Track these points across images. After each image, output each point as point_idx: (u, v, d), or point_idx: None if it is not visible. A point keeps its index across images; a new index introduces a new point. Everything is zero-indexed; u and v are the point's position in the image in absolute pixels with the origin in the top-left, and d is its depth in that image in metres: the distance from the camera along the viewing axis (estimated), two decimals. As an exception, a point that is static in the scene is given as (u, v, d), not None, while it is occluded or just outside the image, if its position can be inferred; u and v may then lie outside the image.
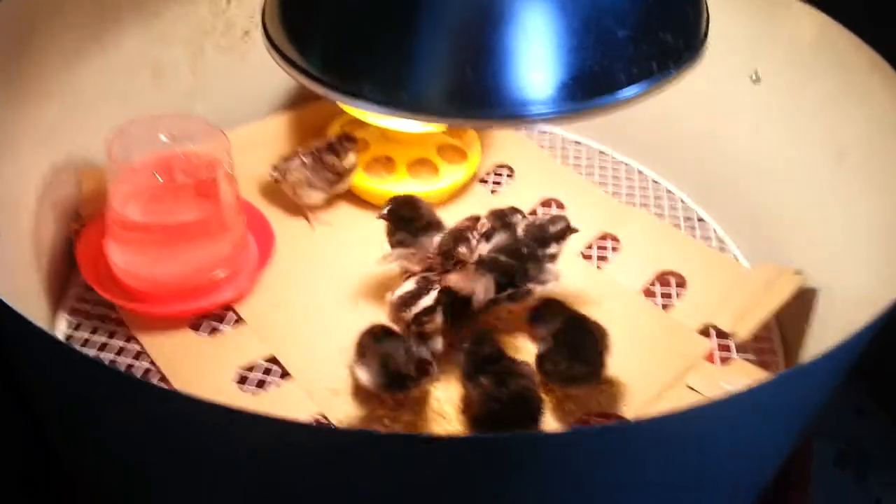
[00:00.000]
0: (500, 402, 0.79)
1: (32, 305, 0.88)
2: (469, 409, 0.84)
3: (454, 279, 0.82)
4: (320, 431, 0.59)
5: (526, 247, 0.88)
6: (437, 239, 0.90)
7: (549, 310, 0.90)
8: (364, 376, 0.82)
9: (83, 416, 0.68)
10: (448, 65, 0.57)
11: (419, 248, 0.90)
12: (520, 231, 0.90)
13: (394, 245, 0.92)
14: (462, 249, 0.87)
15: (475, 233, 0.89)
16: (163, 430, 0.60)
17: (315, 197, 1.02)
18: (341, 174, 1.02)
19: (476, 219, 0.92)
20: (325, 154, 1.01)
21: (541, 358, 0.86)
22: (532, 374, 0.84)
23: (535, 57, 0.56)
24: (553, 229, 0.91)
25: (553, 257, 0.91)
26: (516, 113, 0.58)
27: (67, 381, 0.63)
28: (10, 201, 0.84)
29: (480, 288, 0.82)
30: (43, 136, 0.89)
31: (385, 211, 0.92)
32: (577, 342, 0.85)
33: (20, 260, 0.87)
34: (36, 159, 0.89)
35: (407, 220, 0.91)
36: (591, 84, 0.57)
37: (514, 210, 0.93)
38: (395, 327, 0.85)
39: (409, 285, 0.83)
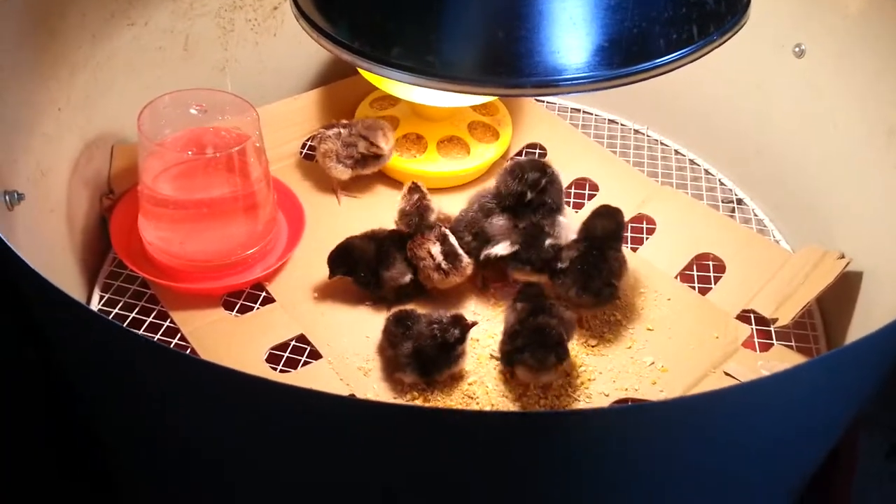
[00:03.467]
0: (522, 327, 0.82)
1: (67, 280, 0.89)
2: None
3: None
4: (356, 405, 0.58)
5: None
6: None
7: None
8: (407, 379, 0.84)
9: (117, 389, 0.68)
10: (478, 28, 0.55)
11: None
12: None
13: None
14: (431, 218, 0.91)
15: (425, 198, 0.92)
16: (197, 400, 0.60)
17: (340, 171, 1.02)
18: (365, 158, 1.01)
19: (413, 187, 0.92)
20: (354, 134, 1.00)
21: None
22: (569, 321, 0.84)
23: (569, 18, 0.54)
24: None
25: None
26: (549, 79, 0.56)
27: (103, 352, 0.63)
28: (41, 175, 0.84)
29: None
30: (72, 110, 0.90)
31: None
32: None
33: (53, 235, 0.87)
34: (66, 133, 0.89)
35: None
36: (628, 49, 0.55)
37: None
38: (420, 309, 0.87)
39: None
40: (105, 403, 0.74)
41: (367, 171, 1.03)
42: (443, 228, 0.91)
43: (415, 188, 0.92)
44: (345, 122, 1.03)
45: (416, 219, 0.90)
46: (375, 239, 0.92)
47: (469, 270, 0.90)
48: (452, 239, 0.90)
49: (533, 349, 0.80)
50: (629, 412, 0.57)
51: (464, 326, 0.83)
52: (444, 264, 0.89)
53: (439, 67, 0.56)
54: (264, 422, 0.59)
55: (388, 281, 0.91)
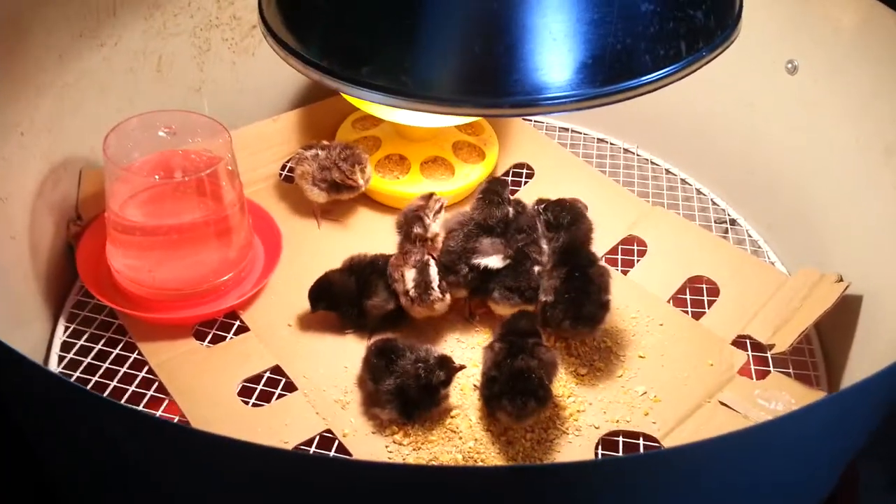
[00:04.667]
0: (500, 371, 0.78)
1: (29, 310, 0.85)
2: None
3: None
4: (339, 465, 0.53)
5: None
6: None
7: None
8: (385, 416, 0.80)
9: (72, 445, 0.64)
10: (454, 46, 0.52)
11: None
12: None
13: None
14: (417, 230, 0.89)
15: (428, 211, 0.90)
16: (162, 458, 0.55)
17: (315, 194, 0.98)
18: (342, 188, 0.98)
19: (429, 197, 0.91)
20: (335, 165, 0.97)
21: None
22: (550, 362, 0.79)
23: (549, 34, 0.50)
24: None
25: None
26: (529, 98, 0.52)
27: (55, 406, 0.59)
28: (3, 200, 0.81)
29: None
30: (36, 133, 0.86)
31: None
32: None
33: (15, 262, 0.83)
34: (29, 157, 0.86)
35: None
36: (612, 66, 0.52)
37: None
38: (401, 342, 0.83)
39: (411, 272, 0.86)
40: (62, 460, 0.69)
41: (342, 196, 0.99)
42: (427, 257, 0.87)
43: (427, 196, 0.90)
44: (325, 143, 0.99)
45: (406, 227, 0.88)
46: (355, 269, 0.89)
47: (438, 306, 0.86)
48: (433, 271, 0.86)
49: (511, 396, 0.76)
50: (621, 463, 0.53)
51: (450, 369, 0.80)
52: (412, 292, 0.85)
53: (413, 87, 0.53)
54: (236, 480, 0.54)
55: (370, 310, 0.87)
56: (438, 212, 0.90)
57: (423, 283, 0.85)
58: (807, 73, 0.96)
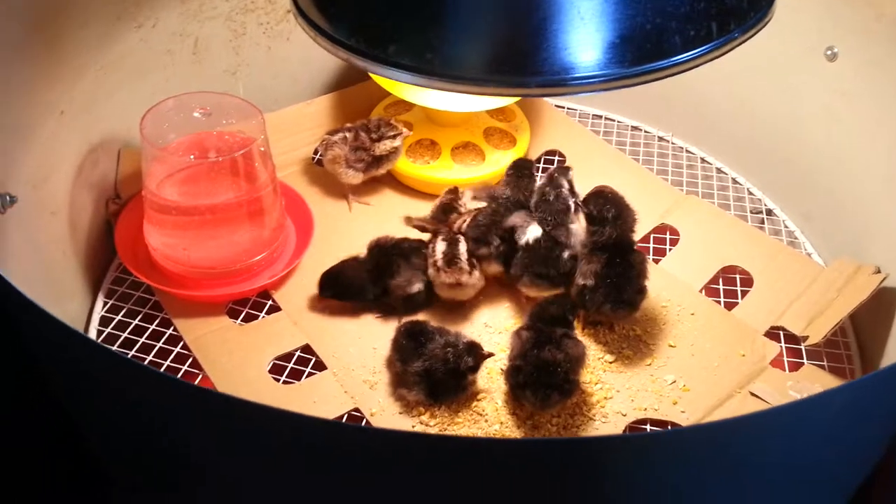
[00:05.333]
0: (525, 361, 0.77)
1: (69, 285, 0.87)
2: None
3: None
4: (362, 432, 0.54)
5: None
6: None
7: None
8: (412, 397, 0.80)
9: (115, 413, 0.65)
10: (480, 24, 0.52)
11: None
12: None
13: None
14: (452, 215, 0.92)
15: (460, 202, 0.93)
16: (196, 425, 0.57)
17: (351, 176, 0.99)
18: (377, 158, 0.98)
19: (455, 191, 0.94)
20: (362, 134, 0.98)
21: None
22: (577, 356, 0.79)
23: (578, 13, 0.50)
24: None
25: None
26: (557, 78, 0.52)
27: (99, 377, 0.60)
28: (43, 179, 0.83)
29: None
30: (76, 113, 0.88)
31: None
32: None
33: (55, 239, 0.85)
34: (69, 136, 0.88)
35: None
36: (641, 46, 0.51)
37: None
38: (431, 325, 0.83)
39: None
40: (98, 427, 0.71)
41: (380, 171, 1.00)
42: (457, 235, 0.88)
43: (451, 190, 0.93)
44: (349, 125, 1.00)
45: (440, 215, 0.90)
46: (379, 250, 0.90)
47: (466, 279, 0.86)
48: (462, 247, 0.87)
49: (535, 388, 0.76)
50: (653, 439, 0.53)
51: (478, 356, 0.80)
52: (440, 262, 0.86)
53: (439, 66, 0.53)
54: (269, 448, 0.55)
55: (395, 289, 0.88)
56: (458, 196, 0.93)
57: (451, 254, 0.86)
58: (847, 60, 0.93)
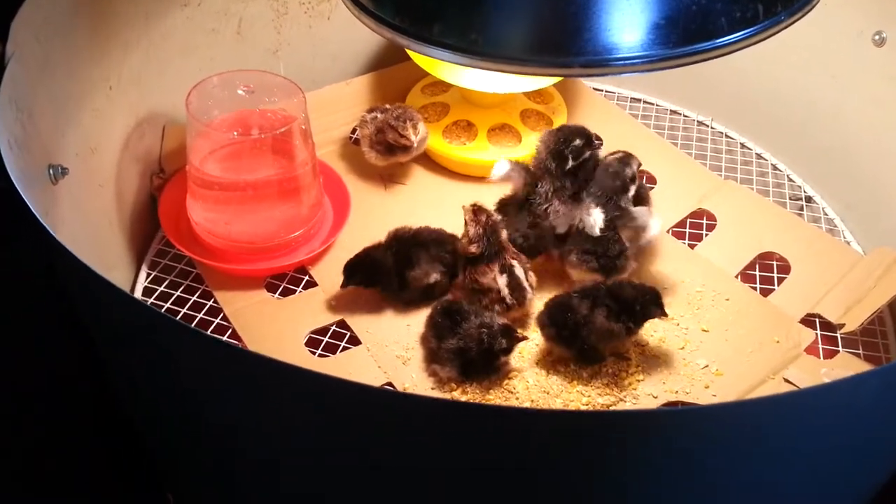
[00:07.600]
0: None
1: (114, 256, 0.90)
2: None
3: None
4: (399, 398, 0.56)
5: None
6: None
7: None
8: (444, 374, 0.81)
9: (156, 374, 0.68)
10: (524, 4, 0.52)
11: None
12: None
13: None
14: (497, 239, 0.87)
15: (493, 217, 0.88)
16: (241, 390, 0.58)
17: (373, 158, 1.00)
18: (397, 149, 0.98)
19: (477, 211, 0.88)
20: (388, 126, 0.97)
21: None
22: (613, 334, 0.80)
23: (623, -8, 0.50)
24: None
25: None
26: (600, 58, 0.52)
27: (146, 338, 0.62)
28: (91, 151, 0.85)
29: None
30: (124, 87, 0.90)
31: None
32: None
33: (102, 211, 0.88)
34: (117, 110, 0.90)
35: None
36: (686, 27, 0.51)
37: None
38: (467, 305, 0.83)
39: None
40: (145, 389, 0.74)
41: (398, 159, 1.00)
42: (507, 257, 0.86)
43: (479, 209, 0.87)
44: (386, 106, 1.00)
45: (489, 239, 0.85)
46: (398, 242, 0.88)
47: (532, 306, 0.86)
48: (519, 270, 0.85)
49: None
50: (686, 414, 0.53)
51: (512, 339, 0.80)
52: (508, 298, 0.84)
53: (482, 46, 0.54)
54: (310, 411, 0.57)
55: (412, 281, 0.87)
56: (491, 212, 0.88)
57: (517, 286, 0.84)
58: (895, 45, 0.92)
